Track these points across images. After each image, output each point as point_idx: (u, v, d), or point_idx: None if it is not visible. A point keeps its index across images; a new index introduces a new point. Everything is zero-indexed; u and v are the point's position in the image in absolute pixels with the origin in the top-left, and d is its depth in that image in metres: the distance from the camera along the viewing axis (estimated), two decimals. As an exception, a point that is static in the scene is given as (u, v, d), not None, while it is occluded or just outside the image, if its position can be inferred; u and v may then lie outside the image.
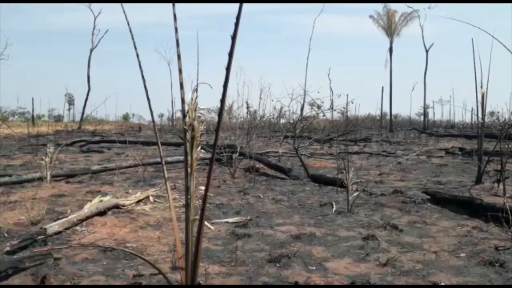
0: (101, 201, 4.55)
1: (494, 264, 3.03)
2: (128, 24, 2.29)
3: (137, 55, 2.23)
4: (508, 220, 3.87)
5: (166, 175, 2.43)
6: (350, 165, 5.52)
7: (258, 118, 20.50)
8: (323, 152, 13.08)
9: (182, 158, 9.60)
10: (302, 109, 15.87)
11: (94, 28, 34.51)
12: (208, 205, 5.11)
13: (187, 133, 2.04)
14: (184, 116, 2.04)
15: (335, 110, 11.41)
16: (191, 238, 2.05)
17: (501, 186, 6.17)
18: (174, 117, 42.09)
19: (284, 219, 4.53)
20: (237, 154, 7.97)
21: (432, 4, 31.58)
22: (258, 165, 8.63)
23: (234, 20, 1.53)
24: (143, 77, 2.20)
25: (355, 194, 4.98)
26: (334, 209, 4.94)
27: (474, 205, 4.59)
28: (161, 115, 49.80)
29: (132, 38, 2.27)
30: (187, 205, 2.08)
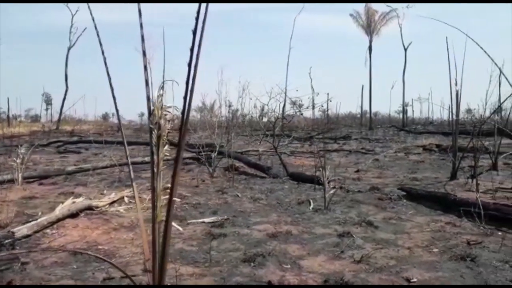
0: (73, 202, 4.44)
1: (465, 259, 3.07)
2: (93, 20, 2.22)
3: (102, 52, 2.16)
4: (480, 215, 3.93)
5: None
6: (329, 163, 5.56)
7: (240, 117, 20.48)
8: (303, 150, 13.12)
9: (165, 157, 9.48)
10: (283, 107, 15.88)
11: (71, 26, 33.71)
12: (185, 205, 5.08)
13: (153, 132, 1.98)
14: (150, 114, 1.98)
15: (315, 108, 11.42)
16: (158, 240, 1.99)
17: (474, 182, 6.30)
18: (155, 117, 41.57)
19: (262, 217, 4.51)
20: (216, 153, 7.90)
21: (410, 4, 32.05)
22: (238, 164, 8.59)
23: (195, 15, 1.49)
24: (108, 74, 2.13)
25: (332, 191, 5.00)
26: (311, 206, 4.95)
27: (448, 200, 4.67)
28: (142, 114, 49.11)
29: (98, 35, 2.20)
30: (153, 207, 2.02)
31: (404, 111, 37.68)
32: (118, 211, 4.63)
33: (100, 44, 2.19)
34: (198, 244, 3.57)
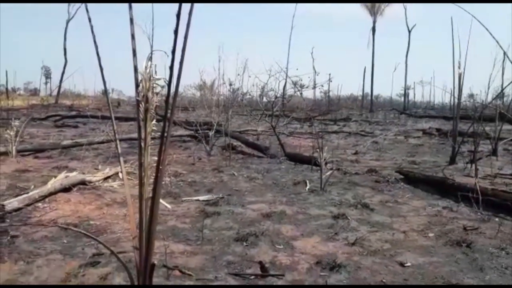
0: (66, 177, 4.38)
1: (461, 244, 3.03)
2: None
3: (91, 28, 2.05)
4: (478, 200, 3.88)
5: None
6: (327, 145, 5.48)
7: (240, 95, 20.30)
8: (302, 131, 13.04)
9: (158, 134, 9.40)
10: (284, 87, 15.71)
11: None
12: (180, 182, 5.03)
13: (140, 105, 1.89)
14: (136, 86, 1.88)
15: (316, 88, 11.26)
16: (145, 217, 1.93)
17: (473, 167, 6.24)
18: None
19: (257, 197, 4.46)
20: (213, 132, 7.81)
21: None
22: (236, 143, 8.52)
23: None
24: (95, 42, 2.02)
25: (329, 173, 4.93)
26: (307, 187, 4.90)
27: (446, 185, 4.61)
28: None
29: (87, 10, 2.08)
30: (140, 183, 1.95)
31: (406, 94, 37.43)
32: (112, 186, 4.57)
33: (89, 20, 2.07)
34: (191, 222, 3.52)
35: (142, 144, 1.93)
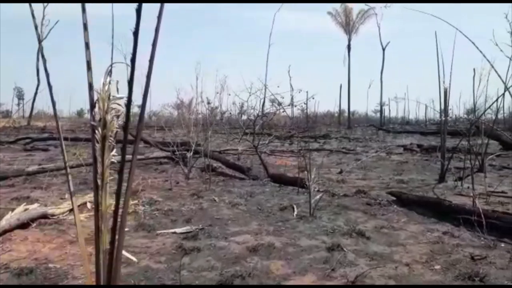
0: (25, 210, 3.87)
1: (473, 279, 2.70)
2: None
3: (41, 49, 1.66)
4: (481, 224, 3.58)
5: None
6: (310, 163, 5.14)
7: (219, 114, 19.96)
8: (283, 149, 12.73)
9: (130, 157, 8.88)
10: (263, 105, 15.53)
11: (43, 18, 32.30)
12: (155, 212, 4.57)
13: (96, 131, 1.49)
14: (92, 107, 1.49)
15: (295, 106, 11.01)
16: (103, 274, 1.51)
17: (464, 185, 6.03)
18: (131, 113, 40.59)
19: (241, 226, 4.05)
20: (192, 153, 7.38)
21: (388, 4, 32.12)
22: (216, 164, 8.10)
23: None
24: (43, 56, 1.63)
25: (318, 197, 4.58)
26: (295, 213, 4.52)
27: (442, 207, 4.31)
28: (118, 111, 47.80)
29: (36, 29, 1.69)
30: (97, 231, 1.54)
31: (382, 110, 37.91)
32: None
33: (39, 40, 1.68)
34: (167, 261, 3.08)
35: (99, 181, 1.53)
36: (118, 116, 1.58)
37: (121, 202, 1.56)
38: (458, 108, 29.36)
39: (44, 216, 3.93)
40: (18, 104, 53.23)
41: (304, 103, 11.19)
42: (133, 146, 1.58)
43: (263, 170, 7.26)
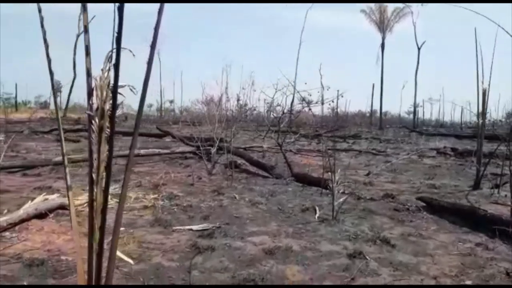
0: (45, 200, 3.87)
1: (509, 298, 2.45)
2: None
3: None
4: (519, 237, 3.29)
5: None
6: (337, 164, 4.93)
7: (246, 110, 19.87)
8: (310, 148, 12.48)
9: (158, 151, 8.92)
10: (292, 102, 15.33)
11: (80, 13, 33.16)
12: (174, 207, 4.49)
13: (93, 121, 1.38)
14: (89, 95, 1.38)
15: (324, 103, 10.75)
16: (95, 274, 1.40)
17: (502, 193, 5.65)
18: (163, 108, 41.29)
19: (259, 226, 3.90)
20: (215, 149, 7.30)
21: (425, 3, 31.00)
22: (240, 161, 7.99)
23: None
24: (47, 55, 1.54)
25: (342, 199, 4.37)
26: (317, 215, 4.33)
27: (476, 216, 4.01)
28: (150, 106, 48.63)
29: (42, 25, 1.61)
30: (90, 230, 1.43)
31: (415, 112, 36.76)
32: (96, 211, 4.04)
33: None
34: (180, 259, 2.98)
35: (94, 176, 1.41)
36: (118, 106, 1.47)
37: (119, 200, 1.45)
38: (496, 112, 28.01)
39: (62, 207, 3.93)
40: (55, 96, 55.04)
41: (332, 101, 10.88)
42: (132, 140, 1.47)
43: (287, 169, 7.09)
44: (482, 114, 6.16)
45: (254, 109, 18.60)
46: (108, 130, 1.43)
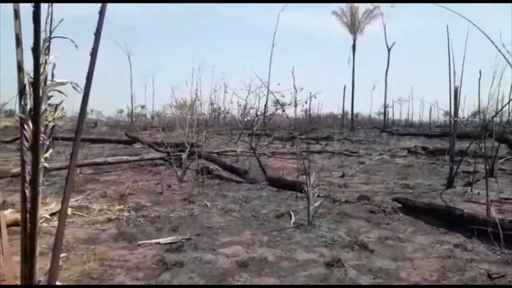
0: (-4, 216, 3.53)
1: (493, 303, 2.35)
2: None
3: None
4: (498, 236, 3.22)
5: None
6: (311, 166, 4.79)
7: (219, 113, 19.58)
8: (284, 151, 12.36)
9: (126, 158, 8.55)
10: (265, 105, 15.21)
11: (47, 17, 32.07)
12: (140, 219, 4.22)
13: (25, 125, 1.15)
14: (21, 94, 1.15)
15: (297, 105, 10.65)
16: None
17: (474, 191, 5.66)
18: (134, 113, 40.37)
19: (232, 236, 3.70)
20: (186, 154, 7.04)
21: (394, 4, 31.65)
22: (212, 166, 7.76)
23: None
24: None
25: (317, 203, 4.22)
26: (292, 221, 4.17)
27: (453, 216, 3.95)
28: (121, 111, 47.49)
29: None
30: (23, 252, 1.20)
31: (386, 112, 37.43)
32: (54, 226, 3.73)
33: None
34: (145, 277, 2.74)
35: (27, 189, 1.19)
36: (57, 107, 1.25)
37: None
38: (463, 111, 28.84)
39: (17, 223, 3.59)
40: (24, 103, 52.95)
41: (306, 102, 10.82)
42: (72, 148, 1.25)
43: (261, 173, 6.92)
44: (454, 112, 6.17)
45: (227, 112, 18.34)
46: (44, 136, 1.21)
